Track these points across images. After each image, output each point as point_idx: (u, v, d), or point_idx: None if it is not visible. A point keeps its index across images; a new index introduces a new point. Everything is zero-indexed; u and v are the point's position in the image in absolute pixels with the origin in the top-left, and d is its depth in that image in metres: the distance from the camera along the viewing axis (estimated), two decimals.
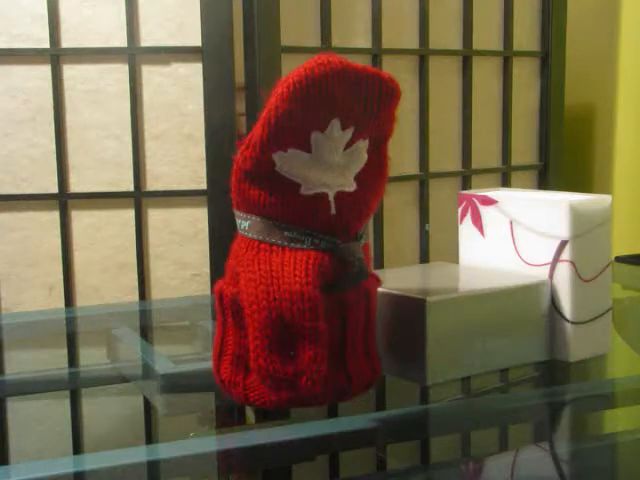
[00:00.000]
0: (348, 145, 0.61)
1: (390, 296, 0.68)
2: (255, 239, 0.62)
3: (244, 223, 0.63)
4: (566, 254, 0.71)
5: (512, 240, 0.76)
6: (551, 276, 0.73)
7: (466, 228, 0.80)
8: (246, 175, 0.63)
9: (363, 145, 0.61)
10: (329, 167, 0.61)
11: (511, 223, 0.76)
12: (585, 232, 0.72)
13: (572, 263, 0.71)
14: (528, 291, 0.72)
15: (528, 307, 0.72)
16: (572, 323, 0.72)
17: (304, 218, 0.61)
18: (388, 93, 0.60)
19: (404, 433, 0.65)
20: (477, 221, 0.79)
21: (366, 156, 0.61)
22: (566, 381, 0.76)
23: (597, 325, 0.74)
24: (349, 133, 0.60)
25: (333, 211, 0.61)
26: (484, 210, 0.78)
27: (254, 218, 0.63)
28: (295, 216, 0.61)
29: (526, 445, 0.65)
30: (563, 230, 0.71)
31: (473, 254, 0.80)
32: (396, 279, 0.74)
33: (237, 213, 0.64)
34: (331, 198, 0.61)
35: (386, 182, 0.64)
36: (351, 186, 0.61)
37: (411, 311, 0.67)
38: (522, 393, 0.76)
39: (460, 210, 0.80)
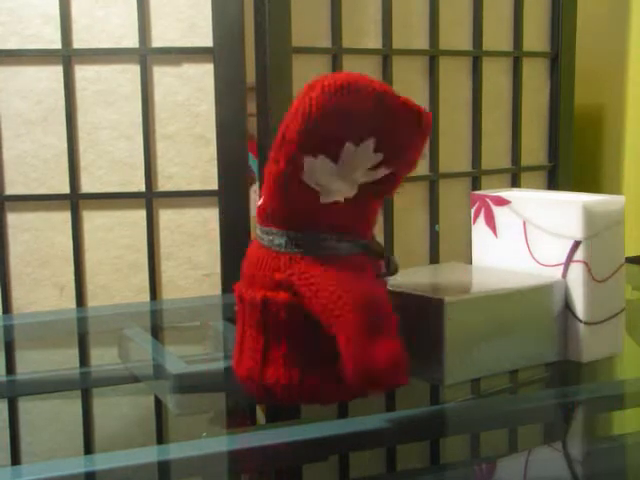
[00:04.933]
0: (372, 167, 0.61)
1: (407, 296, 0.68)
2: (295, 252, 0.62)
3: (279, 239, 0.62)
4: (579, 254, 0.72)
5: (525, 240, 0.76)
6: (564, 276, 0.73)
7: (479, 228, 0.80)
8: (284, 179, 0.61)
9: (383, 172, 0.61)
10: (349, 180, 0.61)
11: (524, 223, 0.76)
12: (598, 232, 0.72)
13: (585, 263, 0.71)
14: (543, 291, 0.72)
15: (542, 307, 0.72)
16: (585, 323, 0.72)
17: (324, 224, 0.61)
18: (423, 130, 0.60)
19: (415, 433, 0.66)
20: (490, 221, 0.79)
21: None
22: (578, 382, 0.76)
23: (610, 326, 0.74)
24: (379, 157, 0.60)
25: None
26: (497, 210, 0.78)
27: (292, 234, 0.62)
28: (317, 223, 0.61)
29: (538, 446, 0.65)
30: (576, 230, 0.71)
31: (486, 254, 0.80)
32: (412, 279, 0.74)
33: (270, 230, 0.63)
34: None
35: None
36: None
37: (429, 311, 0.67)
38: (534, 394, 0.76)
39: (473, 210, 0.81)
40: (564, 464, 0.61)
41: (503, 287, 0.70)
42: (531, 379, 0.76)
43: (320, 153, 0.59)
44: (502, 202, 0.78)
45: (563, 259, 0.73)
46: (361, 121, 0.59)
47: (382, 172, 0.61)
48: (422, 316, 0.67)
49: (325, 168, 0.60)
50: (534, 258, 0.75)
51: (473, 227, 0.81)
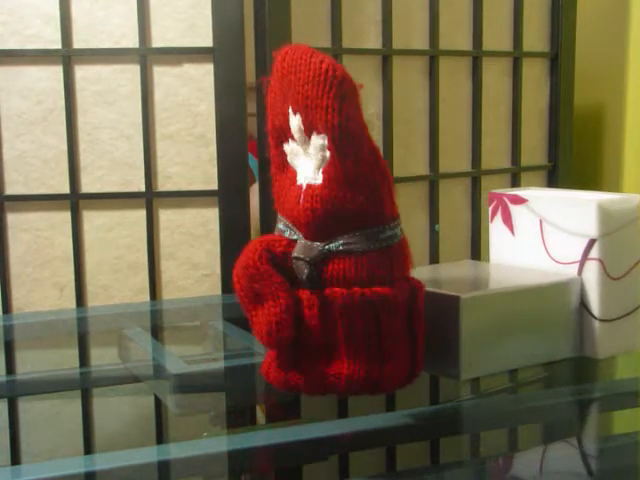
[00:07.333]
0: (308, 136, 0.63)
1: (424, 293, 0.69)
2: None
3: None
4: (595, 252, 0.72)
5: (542, 238, 0.77)
6: (580, 274, 0.73)
7: (496, 227, 0.81)
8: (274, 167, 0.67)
9: (321, 141, 0.62)
10: (304, 157, 0.63)
11: (541, 222, 0.77)
12: (613, 231, 0.73)
13: (601, 261, 0.72)
14: (559, 288, 0.72)
15: (558, 304, 0.72)
16: (601, 321, 0.73)
17: (291, 209, 0.64)
18: (325, 82, 0.60)
19: (421, 432, 0.66)
20: (507, 220, 0.80)
21: (327, 153, 0.61)
22: (594, 378, 0.76)
23: (626, 323, 0.74)
24: (298, 118, 0.62)
25: (301, 201, 0.63)
26: (514, 209, 0.79)
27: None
28: (287, 207, 0.65)
29: (553, 442, 0.65)
30: (592, 229, 0.72)
31: (503, 252, 0.81)
32: (428, 277, 0.75)
33: None
34: (302, 190, 0.63)
35: (373, 186, 0.63)
36: (315, 179, 0.62)
37: (445, 308, 0.67)
38: (549, 390, 0.76)
39: (490, 209, 0.81)
40: (579, 461, 0.61)
41: (519, 284, 0.71)
42: (547, 376, 0.77)
43: (290, 138, 0.65)
44: (519, 201, 0.79)
45: (579, 257, 0.73)
46: (283, 97, 0.64)
47: (318, 141, 0.62)
48: (439, 313, 0.68)
49: (294, 150, 0.65)
50: (550, 256, 0.76)
51: (490, 225, 0.82)
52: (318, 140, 0.61)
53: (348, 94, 0.60)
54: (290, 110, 0.63)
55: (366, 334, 0.62)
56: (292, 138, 0.64)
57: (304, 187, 0.63)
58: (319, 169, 0.62)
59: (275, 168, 0.67)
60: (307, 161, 0.63)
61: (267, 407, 0.73)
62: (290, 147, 0.65)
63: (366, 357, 0.62)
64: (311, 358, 0.62)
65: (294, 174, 0.65)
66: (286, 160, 0.66)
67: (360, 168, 0.62)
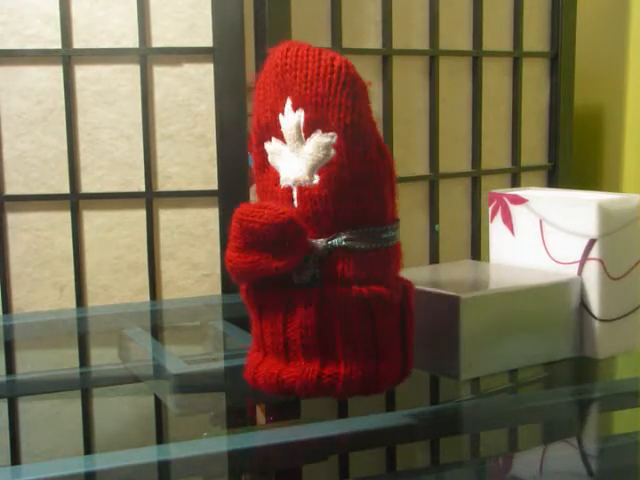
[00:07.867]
0: (307, 134, 0.62)
1: (424, 293, 0.69)
2: None
3: None
4: (595, 252, 0.72)
5: (542, 238, 0.77)
6: (580, 274, 0.74)
7: (497, 227, 0.81)
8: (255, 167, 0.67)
9: (327, 139, 0.61)
10: (292, 157, 0.62)
11: (541, 222, 0.77)
12: (613, 231, 0.73)
13: (601, 261, 0.72)
14: (559, 288, 0.73)
15: (558, 304, 0.73)
16: (601, 321, 0.73)
17: None
18: (338, 80, 0.60)
19: (421, 432, 0.66)
20: (507, 220, 0.80)
21: (332, 152, 0.61)
22: (594, 378, 0.76)
23: (626, 323, 0.74)
24: (300, 115, 0.61)
25: (296, 204, 0.62)
26: (514, 209, 0.79)
27: None
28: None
29: (553, 442, 0.66)
30: (592, 229, 0.72)
31: (503, 252, 0.81)
32: (428, 277, 0.75)
33: None
34: (293, 193, 0.63)
35: (379, 185, 0.63)
36: (308, 180, 0.62)
37: (445, 308, 0.68)
38: (549, 390, 0.76)
39: (490, 209, 0.82)
40: (579, 461, 0.61)
41: (519, 284, 0.71)
42: (547, 376, 0.77)
43: (272, 136, 0.64)
44: (519, 201, 0.79)
45: (579, 257, 0.74)
46: (278, 91, 0.63)
47: (322, 140, 0.61)
48: (440, 313, 0.68)
49: (279, 150, 0.64)
50: (550, 256, 0.76)
51: (490, 225, 0.82)
52: (323, 138, 0.61)
53: (359, 92, 0.61)
54: (289, 106, 0.62)
55: (363, 333, 0.62)
56: (277, 137, 0.64)
57: (294, 190, 0.63)
58: (315, 169, 0.62)
59: (255, 168, 0.67)
60: (296, 161, 0.62)
61: (267, 407, 0.73)
62: (272, 146, 0.64)
63: (363, 356, 0.62)
64: (306, 358, 0.62)
65: (275, 174, 0.64)
66: (267, 160, 0.65)
67: (366, 167, 0.62)
